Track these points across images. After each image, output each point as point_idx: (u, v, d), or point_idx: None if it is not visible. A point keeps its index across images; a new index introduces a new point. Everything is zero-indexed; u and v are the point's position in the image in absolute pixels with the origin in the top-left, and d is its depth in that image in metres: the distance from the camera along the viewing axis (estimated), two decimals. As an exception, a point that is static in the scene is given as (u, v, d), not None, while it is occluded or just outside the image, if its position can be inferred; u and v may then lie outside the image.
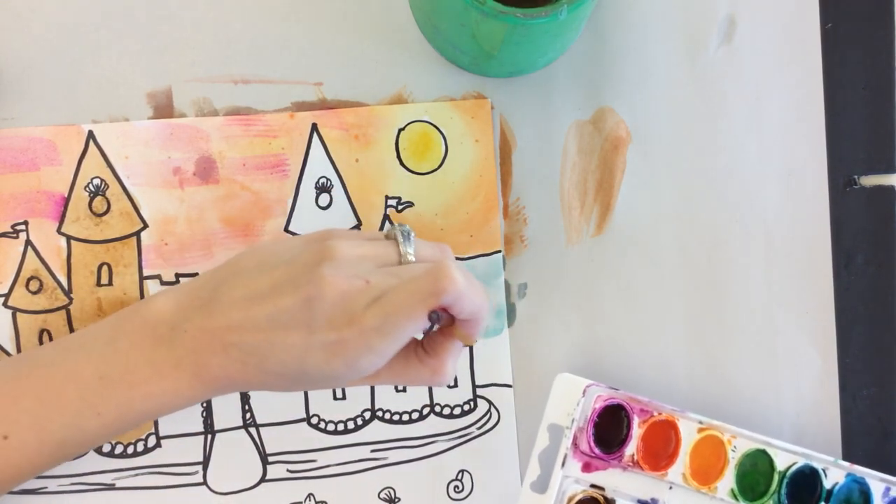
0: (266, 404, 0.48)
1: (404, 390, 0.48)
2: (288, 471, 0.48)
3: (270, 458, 0.48)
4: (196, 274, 0.48)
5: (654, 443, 0.47)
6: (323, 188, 0.48)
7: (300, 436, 0.48)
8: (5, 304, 0.47)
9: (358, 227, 0.48)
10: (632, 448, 0.47)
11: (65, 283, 0.47)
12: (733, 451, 0.47)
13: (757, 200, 0.49)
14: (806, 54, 0.50)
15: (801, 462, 0.47)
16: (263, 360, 0.37)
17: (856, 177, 0.50)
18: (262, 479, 0.48)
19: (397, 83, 0.48)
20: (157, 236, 0.47)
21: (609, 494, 0.47)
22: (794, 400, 0.49)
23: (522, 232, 0.49)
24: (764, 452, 0.47)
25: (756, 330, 0.49)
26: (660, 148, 0.49)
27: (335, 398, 0.48)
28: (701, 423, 0.47)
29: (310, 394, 0.48)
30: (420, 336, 0.40)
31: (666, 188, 0.49)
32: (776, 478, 0.47)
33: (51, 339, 0.47)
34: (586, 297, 0.49)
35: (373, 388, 0.48)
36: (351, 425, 0.48)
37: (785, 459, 0.47)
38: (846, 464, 0.47)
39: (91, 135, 0.47)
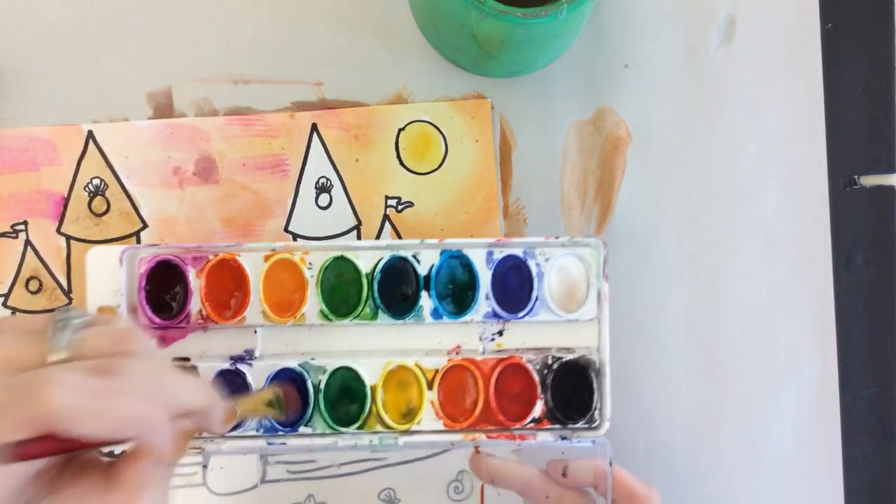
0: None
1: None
2: (288, 471, 0.48)
3: (270, 459, 0.48)
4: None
5: (219, 289, 0.42)
6: (323, 188, 0.48)
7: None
8: (5, 304, 0.47)
9: (358, 227, 0.48)
10: (196, 303, 0.42)
11: (64, 283, 0.47)
12: (310, 268, 0.42)
13: (757, 200, 0.49)
14: (806, 54, 0.50)
15: (386, 256, 0.42)
16: None
17: (856, 177, 0.50)
18: (262, 480, 0.48)
19: (397, 83, 0.48)
20: (156, 236, 0.47)
21: (194, 362, 0.42)
22: (794, 400, 0.49)
23: (522, 232, 0.49)
24: (343, 259, 0.42)
25: (756, 330, 0.49)
26: (660, 148, 0.49)
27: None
28: (267, 249, 0.42)
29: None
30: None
31: (666, 188, 0.49)
32: (365, 282, 0.43)
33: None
34: (586, 297, 0.49)
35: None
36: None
37: (369, 259, 0.42)
38: (434, 241, 0.43)
39: (91, 135, 0.47)
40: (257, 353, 0.43)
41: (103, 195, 0.47)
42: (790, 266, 0.49)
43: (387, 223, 0.48)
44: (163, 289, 0.43)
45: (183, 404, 0.31)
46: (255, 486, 0.48)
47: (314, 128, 0.48)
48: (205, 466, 0.47)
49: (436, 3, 0.44)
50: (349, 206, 0.48)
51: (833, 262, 0.50)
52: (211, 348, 0.43)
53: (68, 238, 0.47)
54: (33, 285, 0.47)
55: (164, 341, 0.42)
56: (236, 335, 0.43)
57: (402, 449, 0.44)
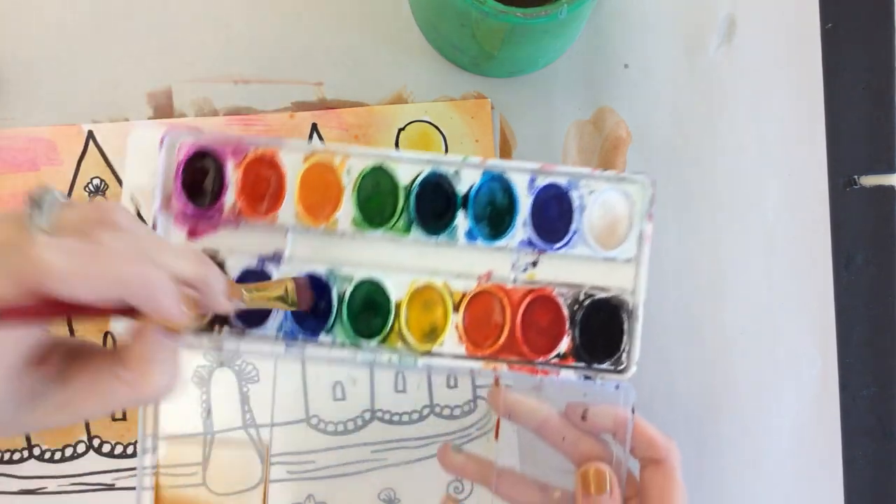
0: (266, 405, 0.48)
1: (404, 389, 0.48)
2: (288, 472, 0.48)
3: (271, 459, 0.48)
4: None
5: (253, 184, 0.41)
6: (323, 188, 0.48)
7: (300, 437, 0.48)
8: (5, 305, 0.47)
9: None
10: (231, 195, 0.41)
11: (64, 284, 0.47)
12: (348, 174, 0.42)
13: (757, 200, 0.49)
14: (806, 54, 0.50)
15: (426, 170, 0.42)
16: None
17: (856, 177, 0.50)
18: (262, 480, 0.48)
19: (397, 83, 0.48)
20: (156, 236, 0.47)
21: (223, 257, 0.41)
22: (794, 400, 0.49)
23: (522, 232, 0.49)
24: (382, 169, 0.42)
25: (756, 330, 0.49)
26: (660, 148, 0.49)
27: (335, 398, 0.48)
28: (308, 149, 0.42)
29: (309, 394, 0.48)
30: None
31: (666, 188, 0.49)
32: (402, 194, 0.42)
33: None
34: (586, 297, 0.49)
35: (373, 388, 0.48)
36: (351, 426, 0.48)
37: (408, 172, 0.42)
38: (477, 159, 0.42)
39: (91, 135, 0.47)
40: (286, 255, 0.42)
41: (103, 195, 0.47)
42: (790, 266, 0.49)
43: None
44: (199, 178, 0.42)
45: (176, 269, 0.30)
46: (255, 487, 0.48)
47: (314, 128, 0.48)
48: (222, 364, 0.46)
49: (436, 3, 0.44)
50: (349, 206, 0.48)
51: (833, 262, 0.50)
52: (240, 245, 0.42)
53: (68, 238, 0.47)
54: (33, 285, 0.47)
55: (195, 234, 0.41)
56: (267, 235, 0.42)
57: (420, 370, 0.43)
